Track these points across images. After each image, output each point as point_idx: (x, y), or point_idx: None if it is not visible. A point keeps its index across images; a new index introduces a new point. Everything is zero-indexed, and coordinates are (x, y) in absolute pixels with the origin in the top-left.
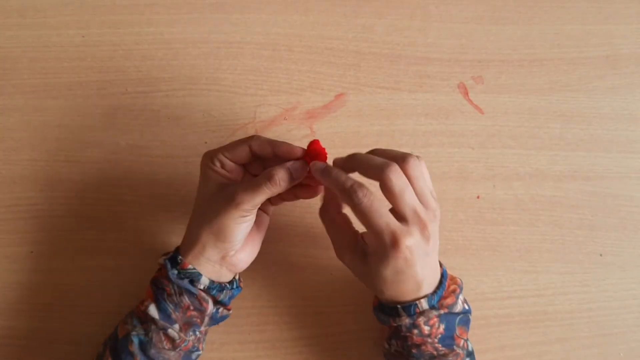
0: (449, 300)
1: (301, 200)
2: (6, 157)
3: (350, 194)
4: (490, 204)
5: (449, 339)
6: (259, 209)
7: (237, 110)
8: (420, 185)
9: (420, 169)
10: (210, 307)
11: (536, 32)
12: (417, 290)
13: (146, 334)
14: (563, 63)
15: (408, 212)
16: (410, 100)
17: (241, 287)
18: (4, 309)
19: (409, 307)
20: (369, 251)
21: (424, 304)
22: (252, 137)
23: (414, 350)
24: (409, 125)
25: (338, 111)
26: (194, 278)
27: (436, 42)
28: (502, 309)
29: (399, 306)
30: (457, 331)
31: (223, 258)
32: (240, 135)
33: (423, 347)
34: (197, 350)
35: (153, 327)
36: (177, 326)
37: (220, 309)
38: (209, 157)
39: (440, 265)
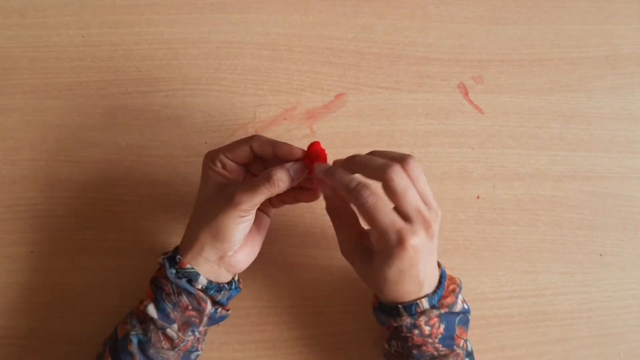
0: (449, 300)
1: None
2: (6, 157)
3: (355, 194)
4: (490, 204)
5: (449, 339)
6: (260, 210)
7: (237, 110)
8: (421, 185)
9: (419, 170)
10: (209, 307)
11: (536, 32)
12: (419, 290)
13: (145, 334)
14: (563, 63)
15: (412, 212)
16: (410, 100)
17: (240, 288)
18: (4, 309)
19: (410, 307)
20: (374, 250)
21: (424, 303)
22: (253, 137)
23: (414, 351)
24: (409, 125)
25: (338, 111)
26: (192, 278)
27: (436, 42)
28: (502, 309)
29: (399, 306)
30: (457, 331)
31: (221, 258)
32: (241, 135)
33: (424, 348)
34: (196, 350)
35: (152, 326)
36: (175, 326)
37: (219, 310)
38: (210, 157)
39: (439, 265)
